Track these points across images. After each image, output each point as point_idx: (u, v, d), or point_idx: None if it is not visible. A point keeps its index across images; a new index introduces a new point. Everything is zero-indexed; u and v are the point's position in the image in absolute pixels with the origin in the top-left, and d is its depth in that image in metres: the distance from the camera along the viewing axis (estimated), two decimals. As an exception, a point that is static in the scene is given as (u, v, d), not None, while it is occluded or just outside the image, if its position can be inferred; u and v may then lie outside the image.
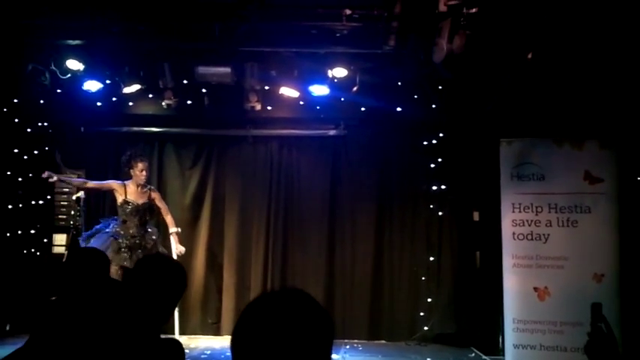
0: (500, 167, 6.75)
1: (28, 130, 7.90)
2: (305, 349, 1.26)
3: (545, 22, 5.39)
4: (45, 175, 7.01)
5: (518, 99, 6.64)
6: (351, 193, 8.26)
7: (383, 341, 7.94)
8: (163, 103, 7.77)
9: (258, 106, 7.70)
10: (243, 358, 1.28)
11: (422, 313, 7.89)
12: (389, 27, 6.31)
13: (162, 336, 2.40)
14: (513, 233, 6.61)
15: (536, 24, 5.41)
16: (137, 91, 7.67)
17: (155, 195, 7.36)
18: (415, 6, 5.86)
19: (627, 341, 5.93)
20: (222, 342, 7.57)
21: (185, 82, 7.62)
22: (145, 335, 2.32)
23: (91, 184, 7.38)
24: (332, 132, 8.26)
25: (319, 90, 7.47)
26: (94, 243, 6.75)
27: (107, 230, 7.10)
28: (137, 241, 7.02)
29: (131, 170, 7.17)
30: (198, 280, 8.14)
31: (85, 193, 7.63)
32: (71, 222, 8.09)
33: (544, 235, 6.53)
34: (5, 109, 7.54)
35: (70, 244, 7.86)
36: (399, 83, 7.69)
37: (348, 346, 7.56)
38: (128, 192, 7.12)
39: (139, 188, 7.19)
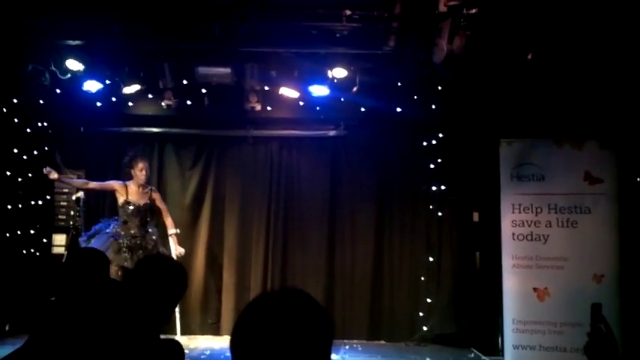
0: (500, 168, 6.75)
1: (28, 130, 7.89)
2: (305, 349, 1.26)
3: (545, 23, 5.39)
4: (46, 170, 7.00)
5: (518, 99, 6.64)
6: (351, 193, 8.26)
7: (382, 341, 7.94)
8: (163, 104, 7.78)
9: (258, 107, 7.71)
10: (242, 359, 1.28)
11: (421, 314, 7.88)
12: (389, 27, 6.31)
13: (163, 336, 2.40)
14: (513, 234, 6.61)
15: (536, 24, 5.42)
16: (137, 91, 7.67)
17: (156, 196, 7.36)
18: (415, 6, 5.86)
19: (627, 342, 5.92)
20: (222, 342, 7.56)
21: (185, 82, 7.63)
22: (144, 336, 2.32)
23: (93, 184, 7.38)
24: (332, 132, 8.26)
25: (319, 90, 7.47)
26: (94, 243, 6.75)
27: (107, 231, 7.10)
28: (138, 242, 7.02)
29: (132, 170, 7.19)
30: (198, 280, 8.13)
31: (84, 194, 7.62)
32: (71, 222, 8.08)
33: (544, 235, 6.53)
34: (5, 109, 7.53)
35: (70, 245, 7.85)
36: (399, 84, 7.70)
37: (347, 347, 7.56)
38: (129, 192, 7.13)
39: (140, 189, 7.20)
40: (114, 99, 7.89)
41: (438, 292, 7.92)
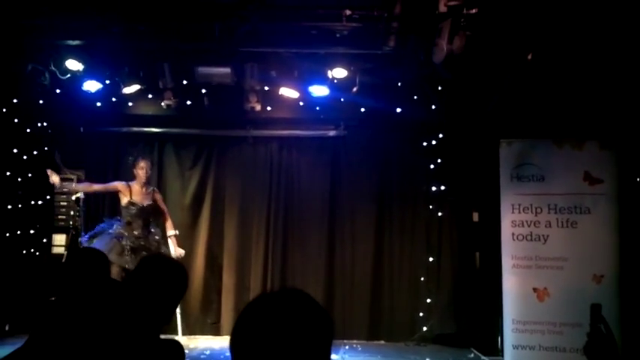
0: (500, 168, 6.75)
1: (28, 130, 7.90)
2: (304, 349, 1.26)
3: (545, 23, 5.39)
4: (49, 172, 7.00)
5: (519, 100, 6.64)
6: (351, 193, 8.26)
7: (382, 342, 7.94)
8: (163, 104, 7.77)
9: (258, 107, 7.70)
10: (242, 359, 1.28)
11: (421, 314, 7.88)
12: (389, 27, 6.31)
13: (163, 336, 2.40)
14: (513, 234, 6.61)
15: (537, 25, 5.42)
16: (137, 91, 7.66)
17: (158, 196, 7.38)
18: (415, 7, 5.86)
19: (627, 342, 5.93)
20: (222, 342, 7.56)
21: (185, 82, 7.62)
22: (144, 336, 2.32)
23: (96, 187, 7.36)
24: (332, 133, 8.26)
25: (319, 90, 7.47)
26: (96, 244, 6.71)
27: (110, 231, 7.07)
28: (142, 243, 7.02)
29: (134, 170, 7.20)
30: (198, 281, 8.13)
31: (84, 194, 7.62)
32: (71, 222, 8.08)
33: (544, 235, 6.53)
34: (5, 109, 7.54)
35: (70, 245, 7.85)
36: (399, 84, 7.70)
37: (347, 347, 7.56)
38: (133, 193, 7.13)
39: (144, 189, 7.20)
40: (114, 99, 7.88)
41: (437, 292, 7.92)
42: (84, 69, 7.08)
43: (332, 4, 6.23)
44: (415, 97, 7.82)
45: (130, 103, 8.10)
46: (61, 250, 8.03)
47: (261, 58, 7.23)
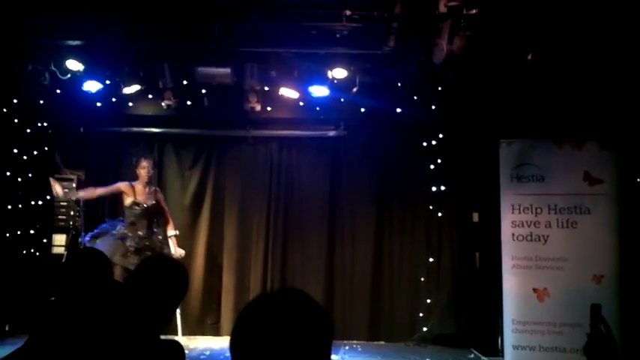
0: (500, 168, 6.75)
1: (28, 130, 7.90)
2: (304, 350, 1.26)
3: (545, 23, 5.39)
4: (51, 181, 7.03)
5: (518, 100, 6.64)
6: (351, 193, 8.26)
7: (382, 342, 7.94)
8: (163, 104, 7.77)
9: (258, 107, 7.71)
10: (242, 359, 1.28)
11: (421, 314, 7.88)
12: (389, 28, 6.31)
13: (163, 337, 2.40)
14: (513, 234, 6.61)
15: (537, 25, 5.42)
16: (137, 91, 7.66)
17: (160, 196, 7.38)
18: (415, 7, 5.86)
19: (627, 342, 5.93)
20: (222, 342, 7.56)
21: (185, 82, 7.63)
22: (144, 336, 2.32)
23: (99, 191, 7.32)
24: (332, 133, 8.26)
25: (319, 91, 7.47)
26: (100, 245, 6.69)
27: (114, 232, 7.04)
28: (146, 243, 7.00)
29: (136, 170, 7.20)
30: (198, 281, 8.12)
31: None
32: (71, 222, 8.07)
33: (543, 236, 6.53)
34: (5, 110, 7.54)
35: (70, 245, 7.85)
36: (399, 84, 7.70)
37: (347, 347, 7.55)
38: (137, 192, 7.12)
39: (146, 188, 7.20)
40: (114, 99, 7.89)
41: (437, 292, 7.91)
42: (84, 69, 7.08)
43: (332, 4, 6.23)
44: (415, 98, 7.82)
45: (130, 103, 8.10)
46: (61, 250, 8.02)
47: (261, 58, 7.23)
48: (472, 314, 7.59)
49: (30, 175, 7.85)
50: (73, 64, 7.00)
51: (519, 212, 6.62)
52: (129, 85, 7.53)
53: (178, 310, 6.73)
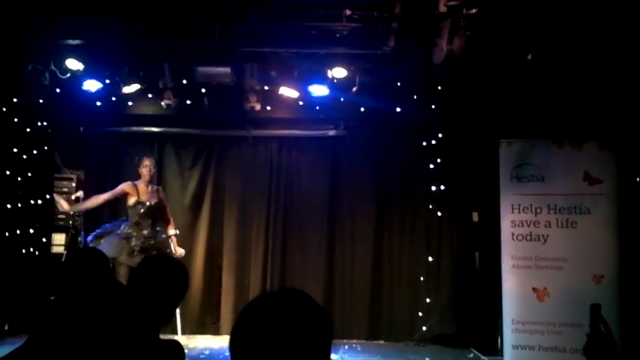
0: (499, 168, 6.75)
1: (28, 129, 7.89)
2: (304, 349, 1.26)
3: (545, 23, 5.39)
4: (56, 197, 7.07)
5: (518, 100, 6.64)
6: (351, 193, 8.26)
7: (382, 342, 7.94)
8: (163, 103, 7.78)
9: (258, 107, 7.71)
10: (242, 359, 1.28)
11: (421, 314, 7.88)
12: (389, 28, 6.31)
13: (163, 336, 2.40)
14: (512, 234, 6.61)
15: (537, 25, 5.42)
16: (137, 91, 7.67)
17: (162, 195, 7.39)
18: (415, 7, 5.86)
19: (626, 342, 5.93)
20: (222, 342, 7.56)
21: (185, 82, 7.63)
22: (144, 336, 2.32)
23: (104, 197, 7.30)
24: (331, 132, 8.26)
25: (319, 90, 7.47)
26: (104, 245, 6.68)
27: (118, 232, 7.04)
28: (151, 242, 7.02)
29: (138, 169, 7.21)
30: (198, 280, 8.12)
31: (84, 193, 7.61)
32: (70, 222, 8.07)
33: (543, 236, 6.53)
34: (5, 109, 7.53)
35: (70, 244, 7.85)
36: (399, 84, 7.70)
37: (347, 347, 7.56)
38: (140, 192, 7.14)
39: (149, 187, 7.21)
40: (114, 99, 7.89)
41: (437, 292, 7.91)
42: (84, 69, 7.08)
43: (332, 4, 6.23)
44: (415, 97, 7.82)
45: (130, 103, 8.10)
46: (61, 249, 8.02)
47: (261, 58, 7.23)
48: (472, 314, 7.59)
49: (30, 174, 7.84)
50: (73, 64, 7.00)
51: (519, 212, 6.62)
52: (129, 84, 7.54)
53: (178, 310, 6.73)
